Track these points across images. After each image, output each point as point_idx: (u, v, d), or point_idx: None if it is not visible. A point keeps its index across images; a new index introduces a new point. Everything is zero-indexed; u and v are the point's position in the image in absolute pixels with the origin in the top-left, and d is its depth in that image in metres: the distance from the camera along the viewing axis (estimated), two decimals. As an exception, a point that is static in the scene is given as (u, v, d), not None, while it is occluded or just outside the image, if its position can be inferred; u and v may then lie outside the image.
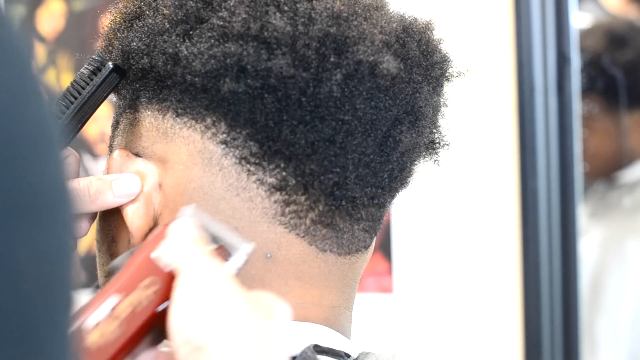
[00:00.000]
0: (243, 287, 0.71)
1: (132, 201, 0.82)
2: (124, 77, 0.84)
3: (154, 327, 0.70)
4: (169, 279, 0.71)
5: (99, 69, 0.84)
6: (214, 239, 0.76)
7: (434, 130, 0.88)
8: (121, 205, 0.83)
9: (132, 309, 0.69)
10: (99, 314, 0.69)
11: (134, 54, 0.83)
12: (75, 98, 0.85)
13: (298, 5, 0.80)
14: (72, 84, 0.85)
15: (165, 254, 0.73)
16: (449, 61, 0.87)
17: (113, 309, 0.69)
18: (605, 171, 2.34)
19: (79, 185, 0.83)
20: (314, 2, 0.81)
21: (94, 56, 0.85)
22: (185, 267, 0.71)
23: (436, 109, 0.87)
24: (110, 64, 0.84)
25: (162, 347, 0.72)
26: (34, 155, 0.43)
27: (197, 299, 0.69)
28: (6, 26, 0.41)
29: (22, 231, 0.42)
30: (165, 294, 0.70)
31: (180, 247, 0.73)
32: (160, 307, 0.70)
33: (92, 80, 0.84)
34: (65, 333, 0.46)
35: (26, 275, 0.42)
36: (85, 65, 0.85)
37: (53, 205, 0.44)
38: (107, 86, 0.84)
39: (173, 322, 0.69)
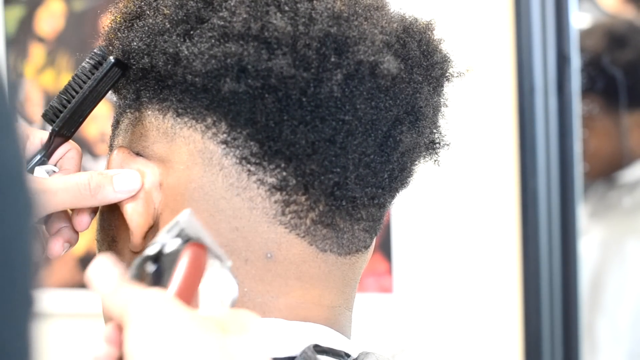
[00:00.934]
0: (249, 295, 0.70)
1: (132, 199, 0.82)
2: (125, 71, 0.84)
3: None
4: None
5: (100, 64, 0.85)
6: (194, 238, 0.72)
7: (434, 131, 0.88)
8: (121, 203, 0.83)
9: None
10: None
11: (134, 54, 0.83)
12: (77, 92, 0.85)
13: (299, 5, 0.80)
14: (73, 78, 0.86)
15: (104, 310, 0.69)
16: (449, 61, 0.87)
17: None
18: (605, 171, 2.34)
19: (80, 179, 0.83)
20: (315, 2, 0.81)
21: (95, 51, 0.85)
22: (125, 311, 0.67)
23: (436, 109, 0.87)
24: (111, 58, 0.84)
25: None
26: None
27: (145, 333, 0.65)
28: None
29: None
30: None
31: (108, 297, 0.69)
32: None
33: (93, 74, 0.84)
34: (23, 324, 0.45)
35: None
36: (87, 60, 0.85)
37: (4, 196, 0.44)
38: (109, 80, 0.84)
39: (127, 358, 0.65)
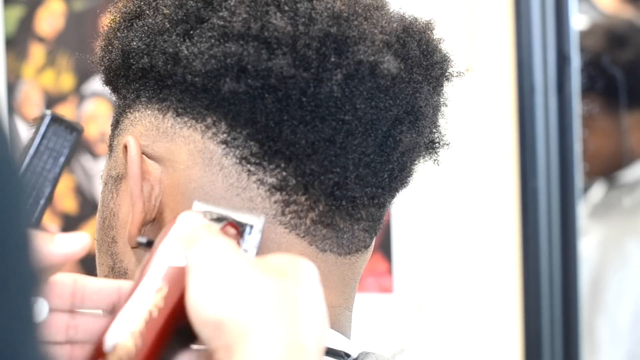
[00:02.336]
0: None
1: (132, 198, 0.82)
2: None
3: (174, 328, 0.70)
4: (175, 278, 0.70)
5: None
6: (222, 219, 0.75)
7: (434, 130, 0.88)
8: (120, 203, 0.83)
9: (145, 321, 0.68)
10: (114, 338, 0.68)
11: (134, 54, 0.83)
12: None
13: (298, 5, 0.80)
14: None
15: (172, 247, 0.72)
16: (449, 61, 0.87)
17: (128, 325, 0.68)
18: (605, 171, 2.34)
19: None
20: (315, 2, 0.81)
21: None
22: (194, 253, 0.70)
23: (436, 109, 0.87)
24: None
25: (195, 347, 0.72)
26: None
27: (207, 278, 0.68)
28: None
29: None
30: (174, 295, 0.69)
31: (187, 237, 0.71)
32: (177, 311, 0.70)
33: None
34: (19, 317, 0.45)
35: None
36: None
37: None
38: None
39: (189, 309, 0.68)
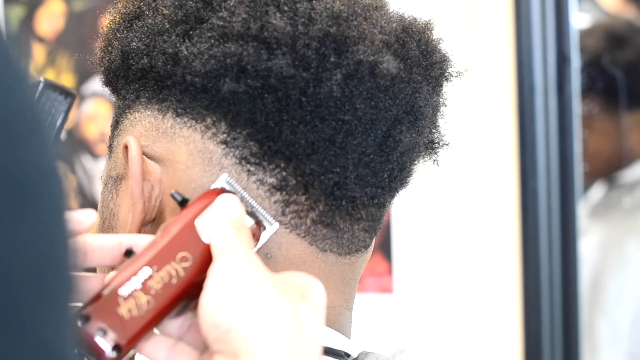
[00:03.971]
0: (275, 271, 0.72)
1: (133, 199, 0.82)
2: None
3: (184, 299, 0.71)
4: (202, 255, 0.71)
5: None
6: (250, 213, 0.76)
7: (434, 130, 0.88)
8: (120, 204, 0.83)
9: (163, 283, 0.70)
10: (132, 285, 0.70)
11: (133, 54, 0.83)
12: None
13: (298, 5, 0.80)
14: None
15: (207, 227, 0.73)
16: (448, 61, 0.87)
17: (146, 281, 0.70)
18: (605, 171, 2.34)
19: None
20: (314, 2, 0.81)
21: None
22: (223, 251, 0.71)
23: (436, 109, 0.87)
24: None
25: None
26: (21, 139, 0.43)
27: (227, 285, 0.69)
28: None
29: (8, 216, 0.42)
30: (196, 271, 0.71)
31: (223, 226, 0.73)
32: (191, 288, 0.71)
33: None
34: (63, 317, 0.45)
35: (14, 259, 0.42)
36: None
37: (41, 188, 0.44)
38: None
39: (203, 308, 0.69)
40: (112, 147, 0.87)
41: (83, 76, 2.19)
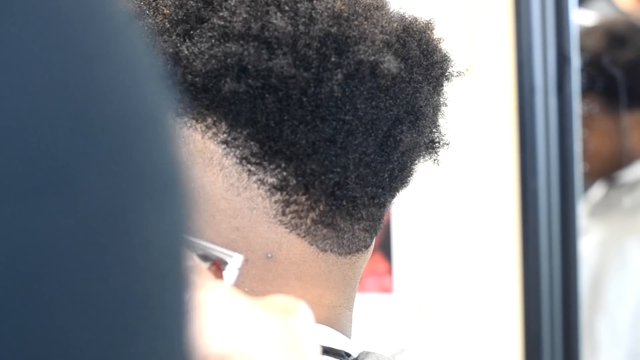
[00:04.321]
0: (249, 295, 0.70)
1: None
2: None
3: None
4: None
5: None
6: (202, 256, 0.73)
7: (434, 130, 0.88)
8: None
9: None
10: None
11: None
12: None
13: (299, 5, 0.80)
14: None
15: None
16: (449, 61, 0.87)
17: None
18: (605, 171, 2.34)
19: None
20: (315, 2, 0.81)
21: None
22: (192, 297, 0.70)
23: (436, 109, 0.87)
24: None
25: None
26: (156, 131, 0.42)
27: (210, 316, 0.66)
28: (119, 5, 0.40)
29: (148, 209, 0.41)
30: None
31: None
32: None
33: None
34: (183, 314, 0.45)
35: (149, 252, 0.41)
36: None
37: (171, 182, 0.43)
38: None
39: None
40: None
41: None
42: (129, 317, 0.39)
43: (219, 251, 0.73)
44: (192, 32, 0.81)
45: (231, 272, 0.73)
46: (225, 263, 0.74)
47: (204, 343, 0.66)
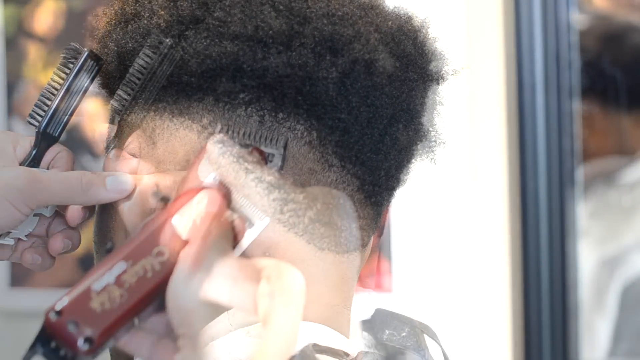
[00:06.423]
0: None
1: (127, 199, 0.82)
2: (101, 63, 0.84)
3: (160, 294, 0.72)
4: (179, 250, 0.72)
5: (75, 58, 0.83)
6: (235, 209, 0.77)
7: (430, 129, 0.88)
8: (116, 203, 0.83)
9: (137, 277, 0.71)
10: (106, 279, 0.71)
11: (129, 55, 0.83)
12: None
13: (293, 4, 0.81)
14: (52, 77, 0.84)
15: (183, 222, 0.73)
16: (444, 59, 0.88)
17: (120, 275, 0.71)
18: (605, 171, 2.34)
19: (72, 174, 0.83)
20: (309, 1, 0.81)
21: (68, 47, 0.84)
22: (196, 241, 0.72)
23: (432, 107, 0.87)
24: (85, 50, 0.82)
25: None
26: None
27: (187, 270, 0.70)
28: None
29: None
30: (172, 266, 0.71)
31: (196, 220, 0.73)
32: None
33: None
34: None
35: None
36: (62, 56, 0.84)
37: None
38: (86, 74, 0.83)
39: (168, 293, 0.70)
40: (109, 148, 0.87)
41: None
42: None
43: (251, 210, 0.76)
44: (187, 32, 0.81)
45: (253, 233, 0.75)
46: (252, 224, 0.75)
47: (178, 294, 0.69)
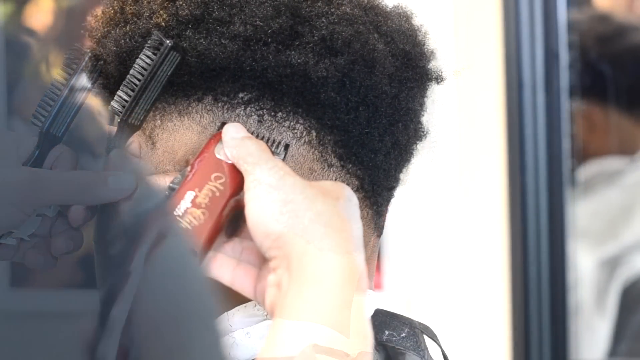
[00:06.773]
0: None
1: (128, 199, 0.82)
2: (184, 55, 0.83)
3: (230, 212, 0.79)
4: (231, 171, 0.79)
5: (158, 49, 0.82)
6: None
7: (427, 129, 0.88)
8: (118, 203, 0.83)
9: (209, 198, 0.79)
10: (183, 206, 0.79)
11: (128, 56, 0.83)
12: (139, 80, 0.83)
13: (293, 4, 0.81)
14: (134, 66, 0.83)
15: (225, 149, 0.78)
16: (441, 60, 0.87)
17: (194, 199, 0.79)
18: (605, 171, 2.34)
19: (74, 174, 0.83)
20: (309, 1, 0.81)
21: (153, 36, 0.82)
22: (248, 162, 0.77)
23: (430, 108, 0.87)
24: (168, 42, 0.82)
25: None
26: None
27: (268, 195, 0.75)
28: None
29: None
30: (232, 184, 0.79)
31: (237, 141, 0.78)
32: (232, 199, 0.80)
33: (152, 60, 0.82)
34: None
35: None
36: (146, 46, 0.82)
37: None
38: (168, 65, 0.82)
39: (251, 221, 0.75)
40: (110, 148, 0.87)
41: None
42: None
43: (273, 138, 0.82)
44: (186, 32, 0.81)
45: (279, 153, 0.81)
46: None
47: (265, 220, 0.75)
